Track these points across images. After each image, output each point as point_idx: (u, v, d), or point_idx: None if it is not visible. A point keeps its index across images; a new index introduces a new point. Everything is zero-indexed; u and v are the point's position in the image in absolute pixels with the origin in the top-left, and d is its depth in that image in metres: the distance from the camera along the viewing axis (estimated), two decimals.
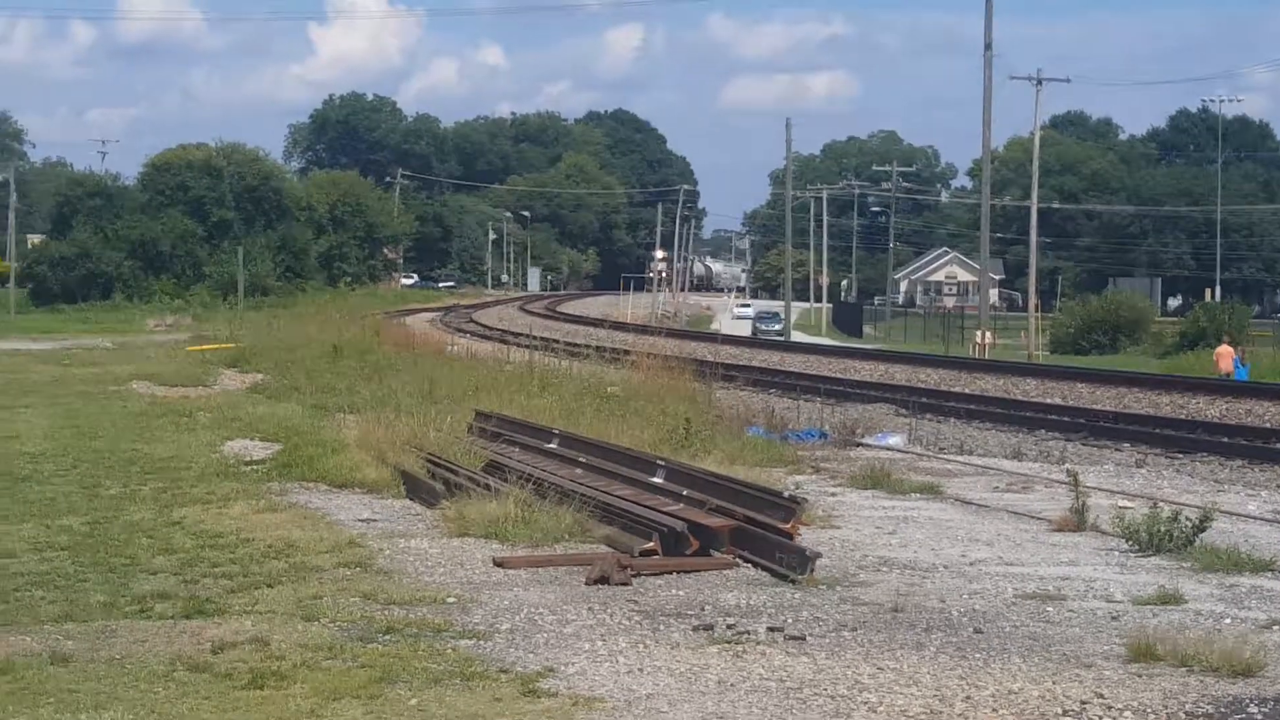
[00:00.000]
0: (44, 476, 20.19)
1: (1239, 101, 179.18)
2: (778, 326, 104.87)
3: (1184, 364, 57.64)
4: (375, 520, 16.94)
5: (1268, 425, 31.34)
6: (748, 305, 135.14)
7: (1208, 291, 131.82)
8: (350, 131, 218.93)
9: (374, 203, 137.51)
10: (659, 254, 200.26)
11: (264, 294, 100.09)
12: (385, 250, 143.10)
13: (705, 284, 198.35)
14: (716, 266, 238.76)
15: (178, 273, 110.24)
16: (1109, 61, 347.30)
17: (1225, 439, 28.62)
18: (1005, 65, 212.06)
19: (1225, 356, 50.05)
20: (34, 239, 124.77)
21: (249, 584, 13.22)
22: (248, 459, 21.95)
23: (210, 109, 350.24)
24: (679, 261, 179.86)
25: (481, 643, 11.31)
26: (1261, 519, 17.86)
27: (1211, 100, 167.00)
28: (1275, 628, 11.91)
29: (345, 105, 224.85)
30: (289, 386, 33.83)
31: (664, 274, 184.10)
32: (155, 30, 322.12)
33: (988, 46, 69.41)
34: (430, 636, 11.42)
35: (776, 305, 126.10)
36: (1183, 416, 33.54)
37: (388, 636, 11.42)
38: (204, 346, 51.03)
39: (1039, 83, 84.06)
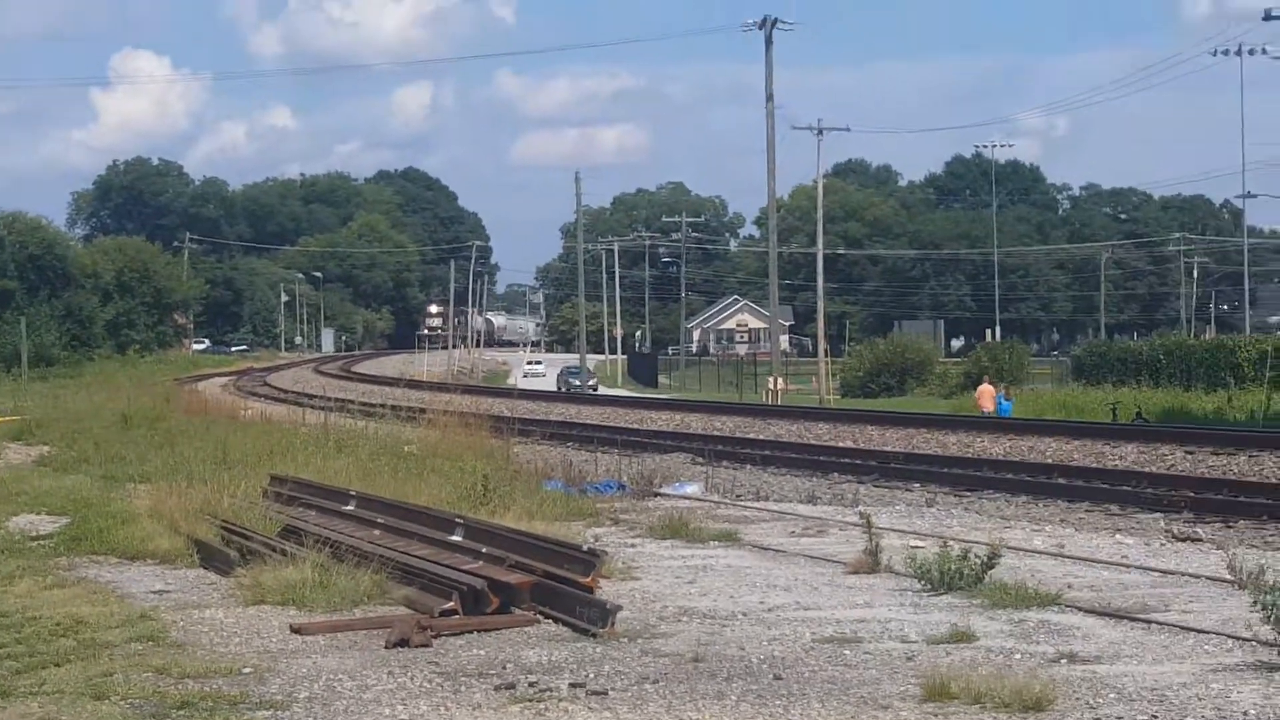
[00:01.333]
0: None
1: (1010, 146, 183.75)
2: (592, 381, 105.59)
3: (969, 403, 58.80)
4: (168, 591, 16.64)
5: (1049, 461, 32.19)
6: (539, 362, 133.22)
7: (988, 332, 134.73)
8: (136, 197, 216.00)
9: (162, 268, 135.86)
10: (433, 309, 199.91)
11: (49, 364, 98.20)
12: (175, 316, 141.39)
13: (489, 338, 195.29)
14: (498, 320, 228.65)
15: None
16: (887, 109, 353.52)
17: (1010, 475, 29.32)
18: (788, 115, 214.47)
19: (986, 396, 51.83)
20: None
21: (35, 664, 12.86)
22: (34, 534, 21.43)
23: None
24: (455, 317, 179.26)
25: (279, 713, 11.14)
26: (1046, 553, 18.25)
27: (985, 145, 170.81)
28: (1063, 661, 12.13)
29: (130, 170, 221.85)
30: (77, 458, 33.17)
31: (440, 329, 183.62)
32: None
33: (769, 98, 70.40)
34: (226, 709, 11.21)
35: (574, 358, 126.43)
36: (969, 455, 34.26)
37: (181, 712, 11.17)
38: None
39: (820, 132, 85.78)
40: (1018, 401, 57.03)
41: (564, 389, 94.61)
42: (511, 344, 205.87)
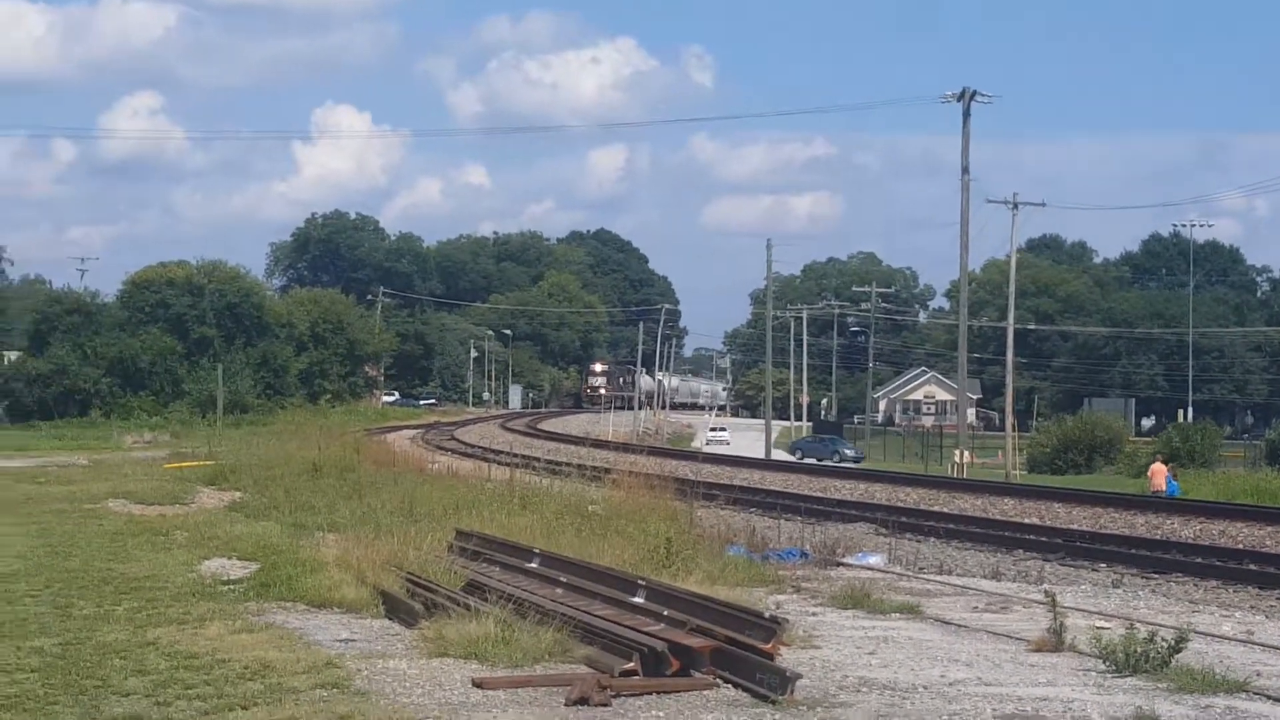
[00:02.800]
0: (15, 596, 19.97)
1: (1210, 226, 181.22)
2: (851, 452, 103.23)
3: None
4: (353, 640, 16.84)
5: (1240, 546, 31.51)
6: (723, 429, 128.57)
7: (1180, 412, 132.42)
8: (332, 250, 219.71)
9: (355, 320, 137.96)
10: (597, 367, 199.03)
11: (243, 411, 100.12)
12: (366, 368, 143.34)
13: (659, 401, 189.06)
14: (671, 381, 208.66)
15: (156, 390, 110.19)
16: (1084, 185, 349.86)
17: (1199, 559, 28.81)
18: (982, 188, 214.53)
19: (1159, 474, 51.31)
20: (11, 356, 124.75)
21: (223, 705, 13.10)
22: (225, 578, 21.83)
23: (192, 226, 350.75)
24: (621, 377, 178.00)
25: None
26: (1235, 640, 17.91)
27: (1183, 225, 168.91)
28: None
29: (328, 224, 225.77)
30: (268, 504, 33.72)
31: (604, 390, 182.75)
32: (138, 148, 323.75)
33: (965, 170, 70.06)
34: None
35: (759, 423, 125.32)
36: (1157, 537, 33.72)
37: None
38: (182, 464, 50.87)
39: (1015, 206, 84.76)
40: (1186, 482, 56.37)
41: (832, 458, 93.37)
42: (684, 406, 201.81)
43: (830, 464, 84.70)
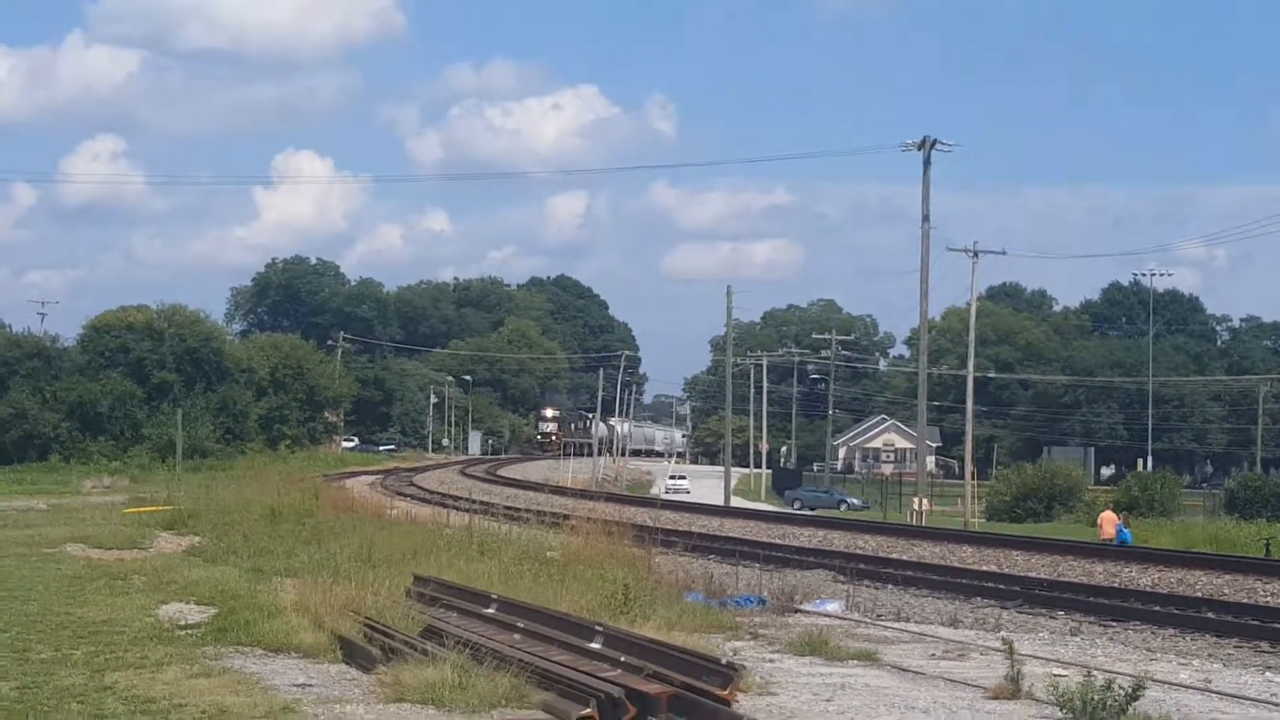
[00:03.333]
0: None
1: (1169, 275, 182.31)
2: (858, 502, 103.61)
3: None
4: (311, 685, 16.79)
5: (1198, 595, 31.63)
6: (682, 476, 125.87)
7: (1140, 461, 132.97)
8: (293, 295, 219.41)
9: (315, 365, 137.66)
10: (548, 413, 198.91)
11: (203, 456, 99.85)
12: (326, 413, 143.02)
13: (612, 447, 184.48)
14: (623, 427, 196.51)
15: (116, 434, 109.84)
16: (1044, 234, 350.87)
17: (1157, 607, 28.88)
18: (942, 236, 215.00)
19: (1109, 523, 51.73)
20: None
21: None
22: (183, 623, 21.74)
23: (153, 271, 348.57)
24: (574, 423, 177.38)
25: None
26: (1193, 688, 17.97)
27: (1143, 274, 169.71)
28: None
29: (288, 269, 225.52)
30: (226, 549, 33.66)
31: (554, 436, 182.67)
32: (98, 192, 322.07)
33: (925, 218, 70.11)
34: None
35: (718, 470, 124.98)
36: (1115, 585, 33.82)
37: None
38: (141, 509, 50.68)
39: (975, 255, 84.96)
40: (1144, 530, 56.72)
41: (839, 509, 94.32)
42: (639, 453, 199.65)
43: (792, 511, 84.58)
